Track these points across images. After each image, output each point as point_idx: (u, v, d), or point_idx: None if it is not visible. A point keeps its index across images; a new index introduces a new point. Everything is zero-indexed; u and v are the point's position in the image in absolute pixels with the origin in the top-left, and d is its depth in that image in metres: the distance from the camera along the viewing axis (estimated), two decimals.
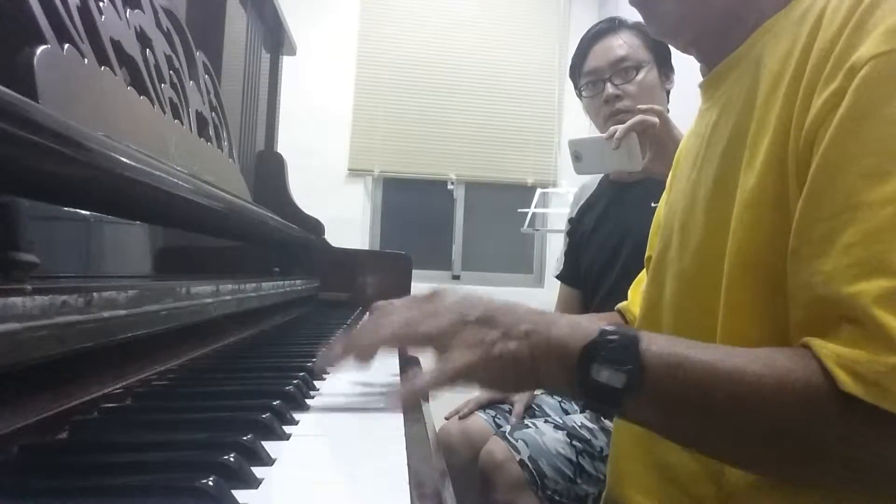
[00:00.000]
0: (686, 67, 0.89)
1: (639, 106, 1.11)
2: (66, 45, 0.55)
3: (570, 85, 1.51)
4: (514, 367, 0.51)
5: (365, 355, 0.55)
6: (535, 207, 3.06)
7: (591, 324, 0.52)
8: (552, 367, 0.51)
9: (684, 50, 0.68)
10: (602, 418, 1.19)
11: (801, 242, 0.49)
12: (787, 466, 0.50)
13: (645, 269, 0.87)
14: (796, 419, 0.45)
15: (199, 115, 0.98)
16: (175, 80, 0.88)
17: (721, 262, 0.56)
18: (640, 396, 0.48)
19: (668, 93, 1.39)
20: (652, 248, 0.79)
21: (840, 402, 0.43)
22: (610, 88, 1.33)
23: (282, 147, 1.74)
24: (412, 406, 0.52)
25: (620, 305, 0.95)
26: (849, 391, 0.42)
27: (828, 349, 0.45)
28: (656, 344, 0.50)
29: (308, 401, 0.52)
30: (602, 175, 1.53)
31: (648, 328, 0.70)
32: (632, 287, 0.94)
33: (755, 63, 0.59)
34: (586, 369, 0.49)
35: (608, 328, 0.50)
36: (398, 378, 0.62)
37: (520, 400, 1.34)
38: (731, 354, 0.48)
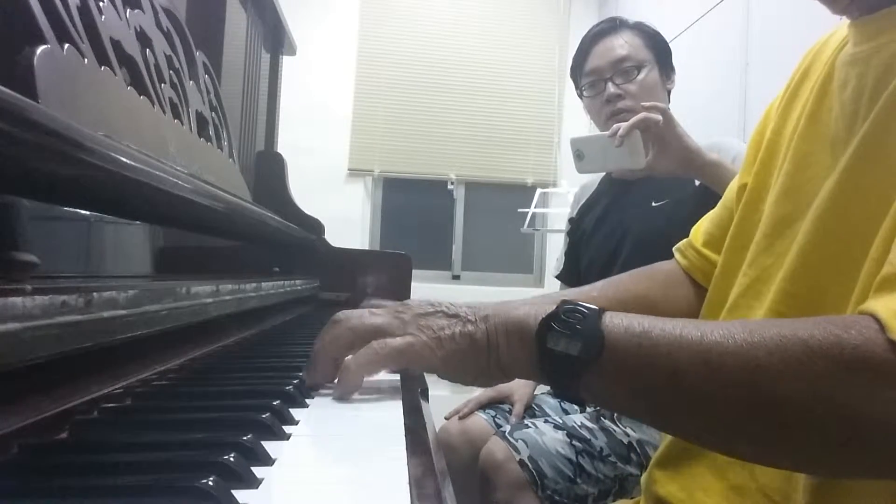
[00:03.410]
0: (687, 67, 0.88)
1: (642, 103, 1.11)
2: (66, 45, 0.55)
3: (570, 85, 1.51)
4: (470, 348, 0.51)
5: (328, 378, 0.55)
6: (535, 207, 3.07)
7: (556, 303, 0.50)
8: (512, 345, 0.50)
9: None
10: (601, 417, 1.19)
11: None
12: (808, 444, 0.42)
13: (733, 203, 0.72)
14: (837, 386, 0.39)
15: (199, 115, 0.98)
16: (175, 80, 0.88)
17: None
18: (600, 369, 0.46)
19: (668, 92, 1.39)
20: (748, 175, 0.69)
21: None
22: (611, 88, 1.34)
23: (282, 147, 1.74)
24: (351, 390, 0.53)
25: (682, 243, 0.80)
26: None
27: (887, 303, 0.40)
28: (621, 316, 0.47)
29: (308, 400, 0.52)
30: (602, 175, 1.54)
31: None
32: (695, 227, 0.80)
33: None
34: (543, 340, 0.48)
35: (571, 301, 0.49)
36: (398, 376, 0.62)
37: (520, 400, 1.34)
38: (729, 325, 0.43)
